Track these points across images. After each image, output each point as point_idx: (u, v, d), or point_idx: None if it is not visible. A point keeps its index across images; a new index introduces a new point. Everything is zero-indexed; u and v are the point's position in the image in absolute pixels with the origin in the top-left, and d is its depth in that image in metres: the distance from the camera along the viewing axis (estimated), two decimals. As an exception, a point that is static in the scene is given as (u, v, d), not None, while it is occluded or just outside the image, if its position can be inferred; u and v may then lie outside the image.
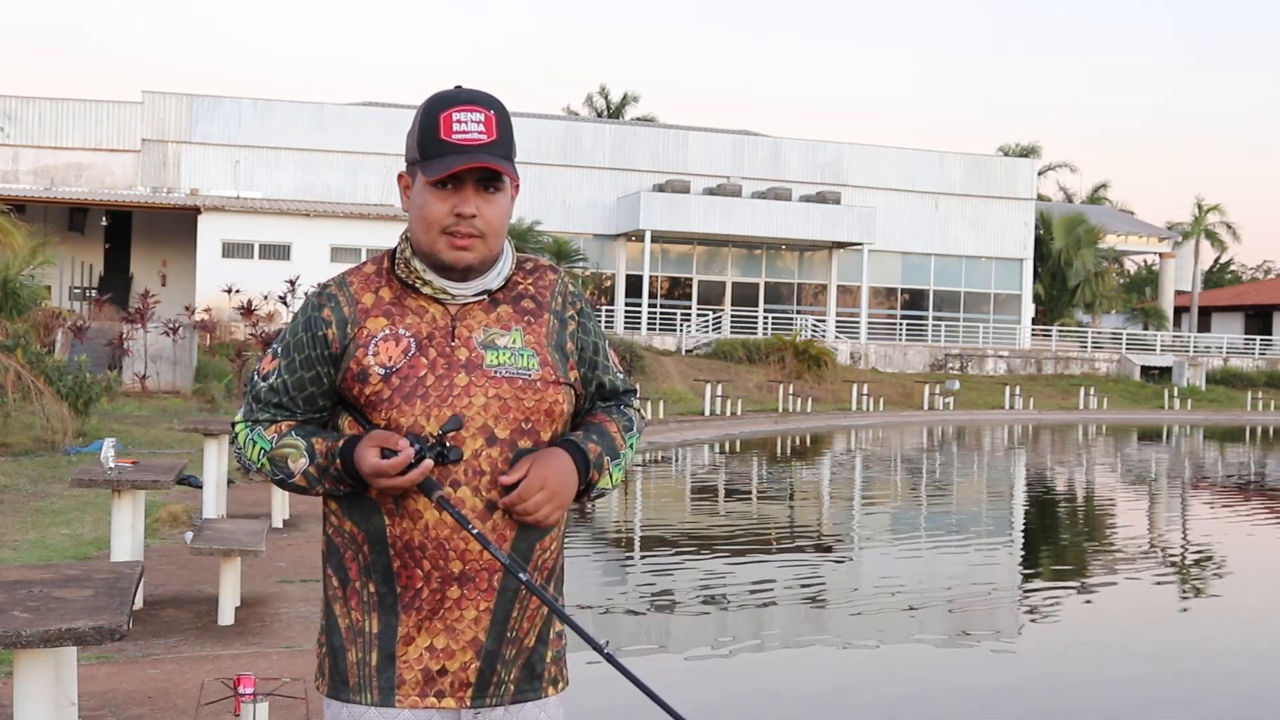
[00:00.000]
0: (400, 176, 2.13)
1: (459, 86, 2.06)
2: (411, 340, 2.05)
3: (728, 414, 27.32)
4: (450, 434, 1.98)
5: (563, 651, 2.17)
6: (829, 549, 11.92)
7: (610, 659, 1.93)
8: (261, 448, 2.08)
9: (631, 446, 2.19)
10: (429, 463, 1.95)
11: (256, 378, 2.12)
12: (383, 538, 2.02)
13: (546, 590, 2.08)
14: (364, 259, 2.22)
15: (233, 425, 2.16)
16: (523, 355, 2.07)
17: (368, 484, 2.00)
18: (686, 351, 36.75)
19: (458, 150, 2.00)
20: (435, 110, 2.03)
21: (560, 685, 2.15)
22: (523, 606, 2.06)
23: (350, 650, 2.06)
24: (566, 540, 2.23)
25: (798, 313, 42.20)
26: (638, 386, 2.18)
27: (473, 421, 2.02)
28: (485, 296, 2.09)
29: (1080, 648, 7.78)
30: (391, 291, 2.09)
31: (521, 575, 1.98)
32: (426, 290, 2.07)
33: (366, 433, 2.02)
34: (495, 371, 2.04)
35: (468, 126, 2.01)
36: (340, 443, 2.03)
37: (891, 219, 42.22)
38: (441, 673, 2.03)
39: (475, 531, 1.97)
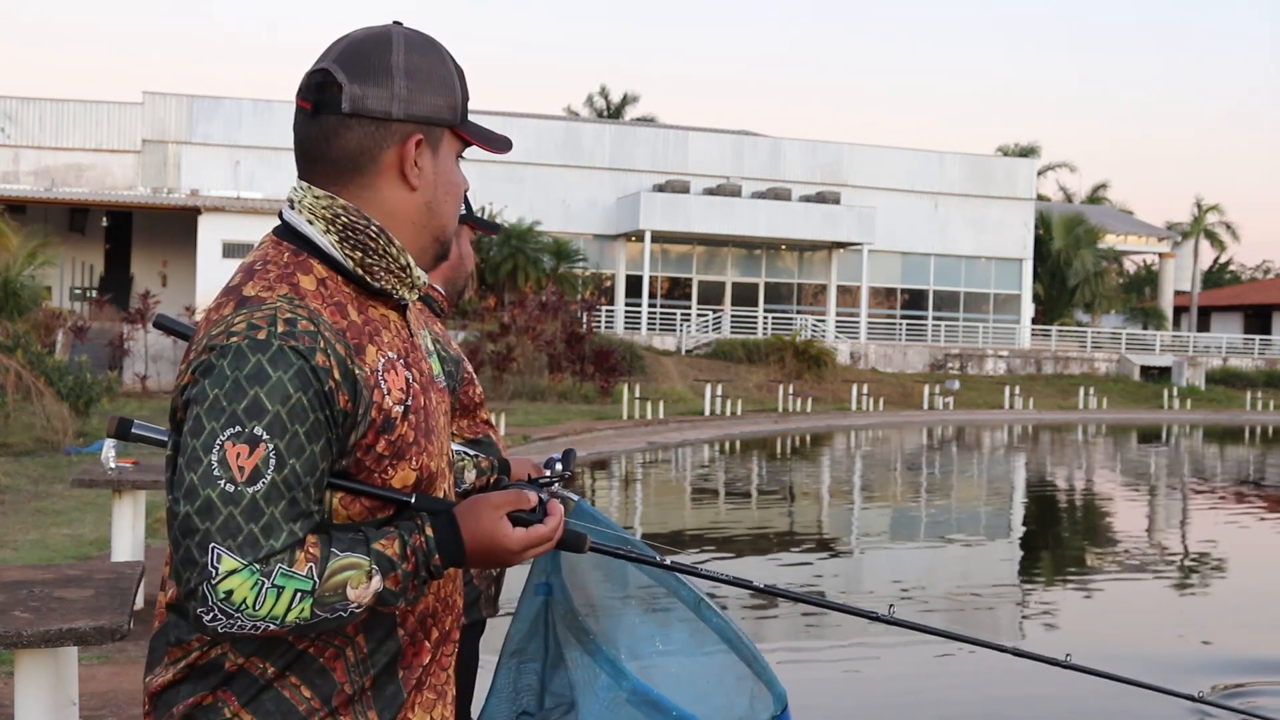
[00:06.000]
0: (419, 142, 1.57)
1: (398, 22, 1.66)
2: (401, 362, 1.59)
3: (728, 414, 27.32)
4: (568, 466, 1.75)
5: None
6: (827, 548, 11.93)
7: None
8: (300, 591, 1.40)
9: None
10: (558, 505, 1.60)
11: (234, 486, 1.38)
12: (389, 620, 1.57)
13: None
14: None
15: (210, 586, 1.37)
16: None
17: (462, 570, 1.64)
18: (686, 351, 36.74)
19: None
20: (457, 68, 1.64)
21: None
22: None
23: None
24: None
25: (798, 313, 42.21)
26: None
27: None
28: None
29: (1079, 647, 7.77)
30: (355, 306, 1.56)
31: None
32: (403, 293, 1.61)
33: (453, 505, 1.58)
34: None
35: None
36: (426, 531, 1.52)
37: (891, 219, 42.22)
38: None
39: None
